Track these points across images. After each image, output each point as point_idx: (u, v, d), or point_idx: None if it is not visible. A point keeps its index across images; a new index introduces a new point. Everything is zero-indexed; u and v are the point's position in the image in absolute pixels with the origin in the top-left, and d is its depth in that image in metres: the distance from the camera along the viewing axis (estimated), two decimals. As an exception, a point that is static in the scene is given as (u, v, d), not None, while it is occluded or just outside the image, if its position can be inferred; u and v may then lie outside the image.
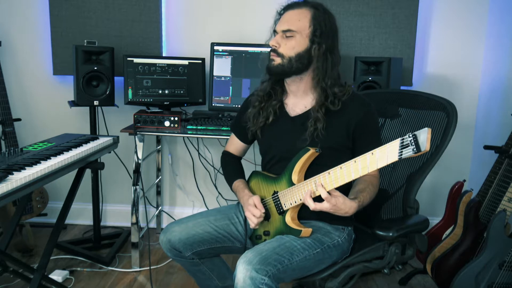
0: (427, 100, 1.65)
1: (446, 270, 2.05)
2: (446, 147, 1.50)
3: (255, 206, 1.51)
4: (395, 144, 1.17)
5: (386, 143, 1.20)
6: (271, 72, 1.54)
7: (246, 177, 1.73)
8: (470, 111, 2.79)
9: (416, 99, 1.71)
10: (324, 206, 1.33)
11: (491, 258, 1.88)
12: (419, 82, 2.77)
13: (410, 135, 1.13)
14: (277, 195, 1.51)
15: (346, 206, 1.34)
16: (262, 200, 1.56)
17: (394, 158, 1.17)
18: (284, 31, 1.48)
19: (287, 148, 1.55)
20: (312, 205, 1.35)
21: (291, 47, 1.49)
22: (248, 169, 1.78)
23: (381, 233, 1.38)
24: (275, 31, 1.54)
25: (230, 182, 1.71)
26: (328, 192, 1.34)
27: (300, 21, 1.47)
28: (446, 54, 2.74)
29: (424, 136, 1.10)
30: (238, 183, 1.66)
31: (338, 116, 1.50)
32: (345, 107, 1.51)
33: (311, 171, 1.46)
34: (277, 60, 1.50)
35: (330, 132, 1.49)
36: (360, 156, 1.26)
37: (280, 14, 1.54)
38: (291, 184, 1.47)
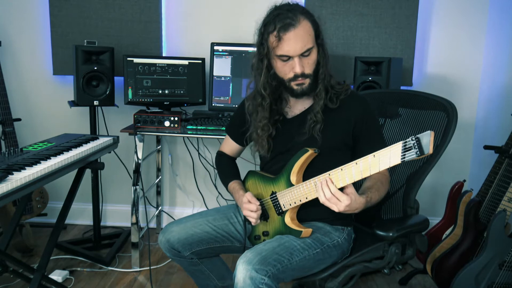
0: (427, 100, 1.65)
1: (446, 270, 2.04)
2: (446, 147, 1.50)
3: (249, 202, 1.51)
4: (397, 146, 1.16)
5: (387, 142, 1.20)
6: (303, 95, 1.49)
7: (242, 177, 1.73)
8: (470, 111, 2.79)
9: (416, 99, 1.71)
10: (339, 205, 1.28)
11: (491, 258, 1.88)
12: (419, 82, 2.77)
13: (413, 138, 1.12)
14: (276, 196, 1.51)
15: (357, 203, 1.31)
16: (260, 200, 1.56)
17: (397, 161, 1.17)
18: (303, 53, 1.41)
19: (286, 146, 1.55)
20: (328, 194, 1.29)
21: (313, 62, 1.45)
22: (246, 169, 1.77)
23: (381, 233, 1.38)
24: (283, 56, 1.41)
25: (225, 183, 1.71)
26: (339, 189, 1.30)
27: (310, 34, 1.42)
28: (446, 54, 2.74)
29: (427, 139, 1.10)
30: (234, 184, 1.66)
31: (337, 115, 1.50)
32: (344, 105, 1.50)
33: (309, 172, 1.46)
34: (307, 82, 1.46)
35: (329, 130, 1.49)
36: (361, 158, 1.25)
37: (279, 37, 1.39)
38: (289, 185, 1.47)
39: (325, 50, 1.48)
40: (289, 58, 1.42)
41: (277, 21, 1.39)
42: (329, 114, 1.49)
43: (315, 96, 1.50)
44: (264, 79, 1.49)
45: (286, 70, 1.45)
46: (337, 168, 1.31)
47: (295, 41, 1.39)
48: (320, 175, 1.36)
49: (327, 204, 1.31)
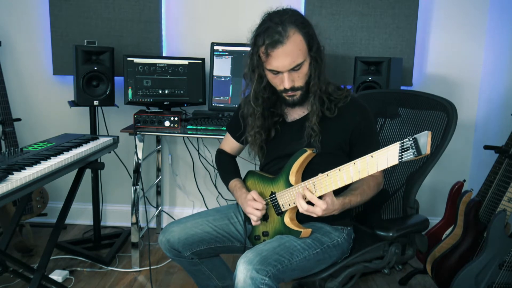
0: (427, 100, 1.65)
1: (446, 270, 2.05)
2: (446, 147, 1.50)
3: (255, 200, 1.50)
4: (394, 147, 1.16)
5: (386, 144, 1.20)
6: (295, 105, 1.50)
7: (242, 176, 1.73)
8: (470, 111, 2.79)
9: (416, 99, 1.71)
10: (316, 210, 1.33)
11: (491, 258, 1.88)
12: (419, 82, 2.77)
13: (410, 138, 1.12)
14: (275, 196, 1.51)
15: (334, 205, 1.35)
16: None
17: (395, 161, 1.17)
18: (293, 68, 1.40)
19: (284, 150, 1.55)
20: (305, 207, 1.34)
21: (304, 75, 1.43)
22: (246, 169, 1.77)
23: (381, 233, 1.38)
24: (273, 70, 1.41)
25: (226, 181, 1.70)
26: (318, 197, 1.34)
27: (300, 49, 1.38)
28: (446, 54, 2.74)
29: (425, 139, 1.10)
30: (235, 182, 1.65)
31: (335, 122, 1.50)
32: (342, 113, 1.50)
33: (308, 174, 1.45)
34: (298, 94, 1.46)
35: (327, 137, 1.49)
36: (359, 159, 1.25)
37: (267, 54, 1.38)
38: (288, 185, 1.47)
39: (320, 61, 1.45)
40: (278, 72, 1.42)
41: (265, 35, 1.37)
42: (327, 122, 1.49)
43: (310, 105, 1.49)
44: (256, 88, 1.50)
45: (277, 82, 1.46)
46: (335, 169, 1.32)
47: (284, 58, 1.38)
48: (319, 175, 1.36)
49: (307, 213, 1.35)
